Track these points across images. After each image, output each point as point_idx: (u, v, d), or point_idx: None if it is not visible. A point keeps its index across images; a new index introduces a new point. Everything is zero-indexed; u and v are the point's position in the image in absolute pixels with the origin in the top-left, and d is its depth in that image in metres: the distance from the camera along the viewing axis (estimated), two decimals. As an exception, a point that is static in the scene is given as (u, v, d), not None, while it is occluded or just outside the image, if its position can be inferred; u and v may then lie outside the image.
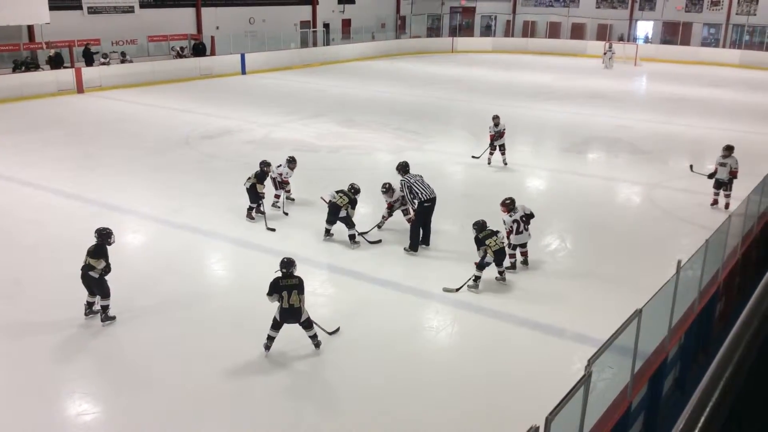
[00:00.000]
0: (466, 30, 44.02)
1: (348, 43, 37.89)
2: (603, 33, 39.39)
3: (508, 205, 9.59)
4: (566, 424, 4.52)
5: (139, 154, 16.22)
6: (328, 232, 10.82)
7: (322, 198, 11.28)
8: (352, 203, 10.61)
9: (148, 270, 9.73)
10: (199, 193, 13.21)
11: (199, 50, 30.56)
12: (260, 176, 11.58)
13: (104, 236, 8.11)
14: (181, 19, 31.72)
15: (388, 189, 10.98)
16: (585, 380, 4.64)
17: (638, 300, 5.88)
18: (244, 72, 30.21)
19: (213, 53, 31.15)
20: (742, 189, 10.89)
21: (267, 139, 18.02)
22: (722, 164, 12.30)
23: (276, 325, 7.36)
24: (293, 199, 12.68)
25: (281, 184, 12.41)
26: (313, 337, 7.51)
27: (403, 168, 10.77)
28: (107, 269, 7.97)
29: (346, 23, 39.91)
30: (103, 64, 26.45)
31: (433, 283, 9.33)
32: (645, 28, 40.06)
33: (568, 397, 4.39)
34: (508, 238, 9.52)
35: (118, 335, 8.02)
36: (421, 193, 10.26)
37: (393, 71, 32.47)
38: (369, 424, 6.41)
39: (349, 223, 10.57)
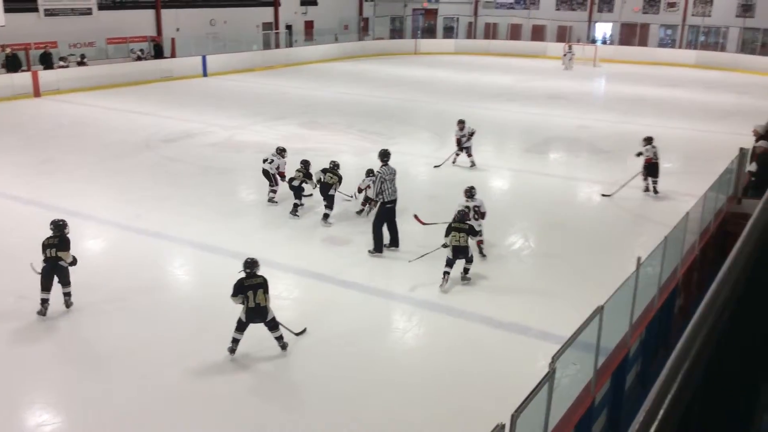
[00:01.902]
0: (428, 32, 44.23)
1: (311, 45, 37.77)
2: (563, 34, 39.95)
3: (468, 191, 10.12)
4: (532, 421, 4.57)
5: (98, 158, 15.93)
6: (325, 218, 11.56)
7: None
8: (340, 180, 11.59)
9: (109, 276, 9.55)
10: (160, 198, 13.03)
11: (156, 52, 30.12)
12: (308, 174, 11.89)
13: (62, 227, 8.28)
14: (140, 21, 31.22)
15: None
16: (549, 377, 4.70)
17: (600, 296, 5.97)
18: (205, 74, 29.88)
19: (173, 55, 30.75)
20: (699, 187, 11.14)
21: (230, 142, 17.86)
22: (640, 154, 13.45)
23: (241, 327, 7.30)
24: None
25: (280, 176, 12.57)
26: (279, 338, 7.48)
27: (383, 156, 10.51)
28: (74, 261, 8.21)
29: (309, 25, 39.77)
30: (62, 67, 25.93)
31: (399, 284, 9.35)
32: (604, 29, 40.74)
33: (533, 395, 4.44)
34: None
35: (78, 341, 7.88)
36: (387, 192, 10.18)
37: (356, 73, 32.47)
38: (336, 425, 6.40)
39: (332, 203, 11.46)
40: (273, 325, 7.40)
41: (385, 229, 10.35)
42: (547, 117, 21.88)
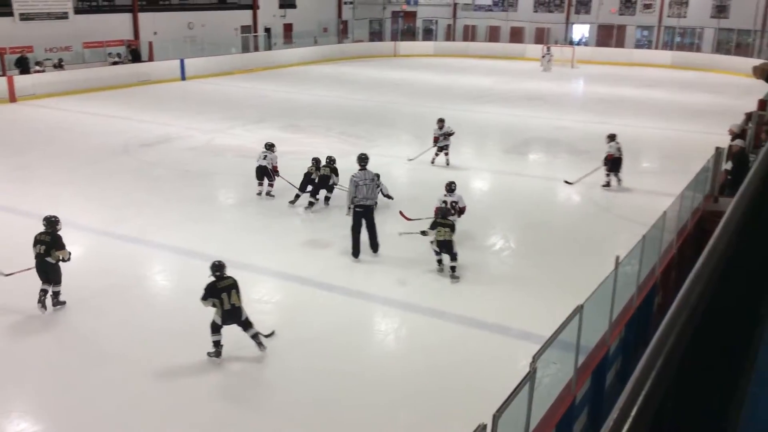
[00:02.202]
0: (408, 34, 44.33)
1: (290, 48, 37.68)
2: (541, 36, 40.25)
3: (448, 186, 10.66)
4: (513, 421, 4.58)
5: (75, 164, 15.77)
6: (326, 200, 12.53)
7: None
8: (335, 171, 12.48)
9: (86, 281, 9.44)
10: (139, 203, 12.92)
11: (135, 55, 29.88)
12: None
13: (54, 224, 8.42)
14: (117, 25, 30.96)
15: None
16: (530, 377, 4.71)
17: (580, 296, 6.01)
18: (183, 78, 29.71)
19: (151, 59, 30.52)
20: (676, 186, 11.26)
21: (209, 146, 17.76)
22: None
23: (217, 329, 7.30)
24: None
25: (274, 170, 13.03)
26: (255, 336, 7.46)
27: (360, 160, 10.49)
28: (69, 257, 8.33)
29: (288, 28, 39.68)
30: (38, 71, 25.63)
31: (380, 286, 9.35)
32: (581, 31, 41.09)
33: (514, 394, 4.45)
34: (435, 213, 10.27)
35: (54, 346, 7.78)
36: (359, 197, 10.03)
37: (336, 75, 32.45)
38: (316, 428, 6.38)
39: (331, 190, 12.53)
40: (248, 325, 7.41)
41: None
42: (526, 118, 22.02)
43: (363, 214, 10.13)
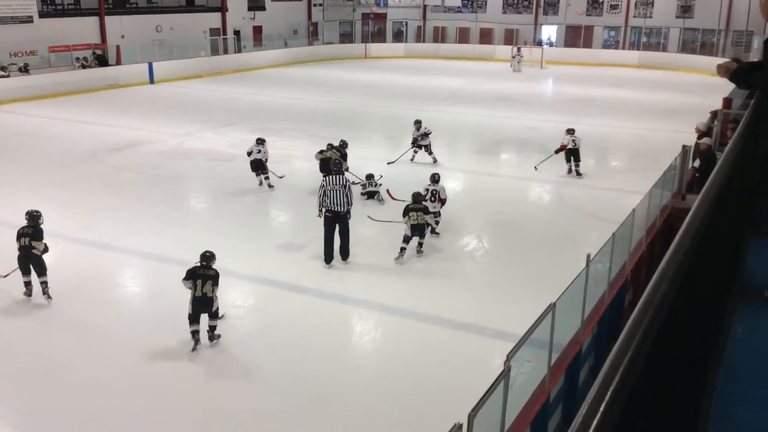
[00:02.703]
0: (378, 36, 44.37)
1: (260, 50, 37.47)
2: (510, 37, 40.55)
3: (432, 177, 11.39)
4: (489, 420, 4.61)
5: (43, 169, 15.51)
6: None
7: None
8: (344, 156, 13.25)
9: (56, 289, 9.28)
10: (108, 208, 12.74)
11: (101, 60, 29.48)
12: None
13: (36, 218, 8.87)
14: (84, 29, 30.52)
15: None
16: (504, 375, 4.75)
17: (553, 294, 6.07)
18: (152, 81, 29.39)
19: (119, 63, 30.14)
20: (645, 184, 11.43)
21: (179, 150, 17.59)
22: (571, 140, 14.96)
23: (192, 319, 7.55)
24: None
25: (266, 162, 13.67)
26: (213, 329, 7.66)
27: (333, 165, 10.54)
28: (46, 249, 8.71)
29: (258, 30, 39.47)
30: (2, 76, 25.17)
31: (355, 288, 9.34)
32: (549, 32, 41.50)
33: (488, 393, 4.48)
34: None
35: (27, 354, 7.64)
36: (327, 202, 9.92)
37: (307, 78, 32.36)
38: (295, 433, 6.36)
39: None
40: (214, 315, 7.67)
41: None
42: (496, 119, 22.17)
43: (334, 220, 9.99)
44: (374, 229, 11.43)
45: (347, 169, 12.67)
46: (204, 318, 7.64)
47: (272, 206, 13.34)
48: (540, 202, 13.82)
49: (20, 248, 8.63)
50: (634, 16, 39.09)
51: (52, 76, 26.50)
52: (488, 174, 15.59)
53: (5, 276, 9.10)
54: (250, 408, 6.79)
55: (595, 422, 0.98)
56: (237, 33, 37.98)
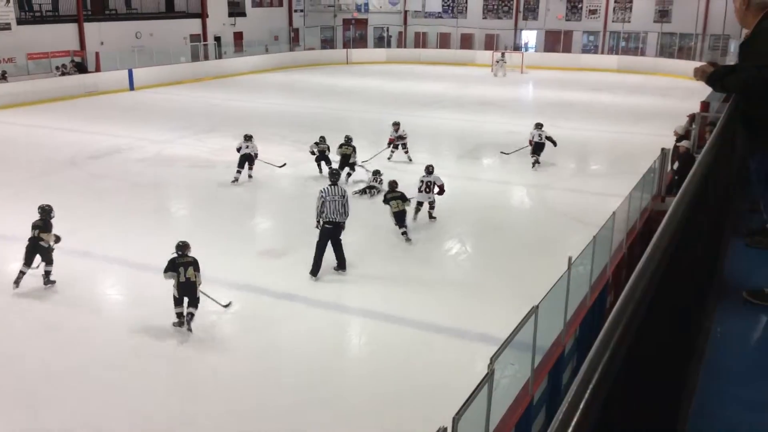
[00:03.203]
0: (359, 41, 44.44)
1: (241, 56, 37.37)
2: (490, 42, 40.79)
3: (427, 168, 12.31)
4: (473, 423, 4.62)
5: (22, 177, 15.33)
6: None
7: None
8: (354, 150, 14.79)
9: (36, 297, 9.19)
10: (89, 216, 12.62)
11: (80, 67, 29.22)
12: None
13: (47, 212, 9.51)
14: (62, 35, 30.21)
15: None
16: (488, 378, 4.76)
17: (535, 297, 6.10)
18: (132, 88, 29.20)
19: (98, 69, 29.90)
20: (625, 187, 11.54)
21: (159, 157, 17.48)
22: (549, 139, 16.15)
23: (177, 302, 8.07)
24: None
25: (255, 157, 14.71)
26: (190, 316, 7.97)
27: (331, 176, 10.45)
28: (58, 239, 9.40)
29: (238, 36, 39.37)
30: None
31: (338, 294, 9.33)
32: (529, 36, 41.80)
33: (472, 397, 4.49)
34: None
35: (4, 362, 7.54)
36: (326, 213, 9.78)
37: (289, 84, 32.32)
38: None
39: (353, 168, 14.72)
40: (195, 302, 8.09)
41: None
42: (478, 123, 22.28)
43: (332, 232, 9.78)
44: (356, 235, 11.42)
45: (360, 164, 14.51)
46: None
47: (254, 213, 13.30)
48: (522, 206, 13.89)
49: (30, 238, 9.29)
50: (613, 21, 39.50)
51: (30, 83, 26.22)
52: (470, 178, 15.65)
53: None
54: (236, 413, 6.75)
55: (574, 422, 0.99)
56: (217, 39, 37.85)
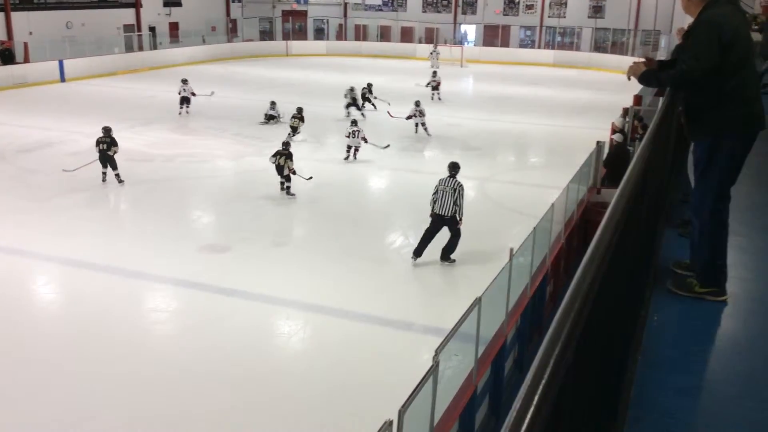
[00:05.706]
0: (299, 33, 44.05)
1: (177, 47, 36.53)
2: (430, 36, 41.06)
3: (416, 103, 17.19)
4: (419, 415, 4.66)
5: (-55, 172, 14.65)
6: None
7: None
8: (302, 121, 17.73)
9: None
10: (19, 212, 12.16)
11: (6, 57, 28.01)
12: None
13: (109, 131, 13.60)
14: (-13, 24, 28.98)
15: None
16: (433, 370, 4.81)
17: (478, 288, 6.19)
18: (63, 79, 28.21)
19: (27, 60, 28.76)
20: (562, 179, 11.81)
21: (93, 150, 16.88)
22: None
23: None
24: None
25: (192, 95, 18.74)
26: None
27: (452, 168, 10.50)
28: (116, 150, 13.44)
29: (174, 26, 38.47)
30: None
31: (281, 288, 9.26)
32: (468, 31, 42.24)
33: (418, 389, 4.52)
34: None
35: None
36: (436, 206, 10.08)
37: (227, 75, 31.77)
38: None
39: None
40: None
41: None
42: (419, 116, 22.33)
43: (437, 222, 9.99)
44: (304, 228, 11.36)
45: (371, 101, 19.13)
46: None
47: (194, 207, 13.05)
48: (464, 199, 14.02)
49: (99, 151, 13.32)
50: (549, 16, 40.30)
51: (-47, 73, 25.05)
52: (412, 171, 15.74)
53: (73, 171, 13.74)
54: (178, 410, 6.63)
55: (529, 415, 1.01)
56: (152, 29, 36.91)
